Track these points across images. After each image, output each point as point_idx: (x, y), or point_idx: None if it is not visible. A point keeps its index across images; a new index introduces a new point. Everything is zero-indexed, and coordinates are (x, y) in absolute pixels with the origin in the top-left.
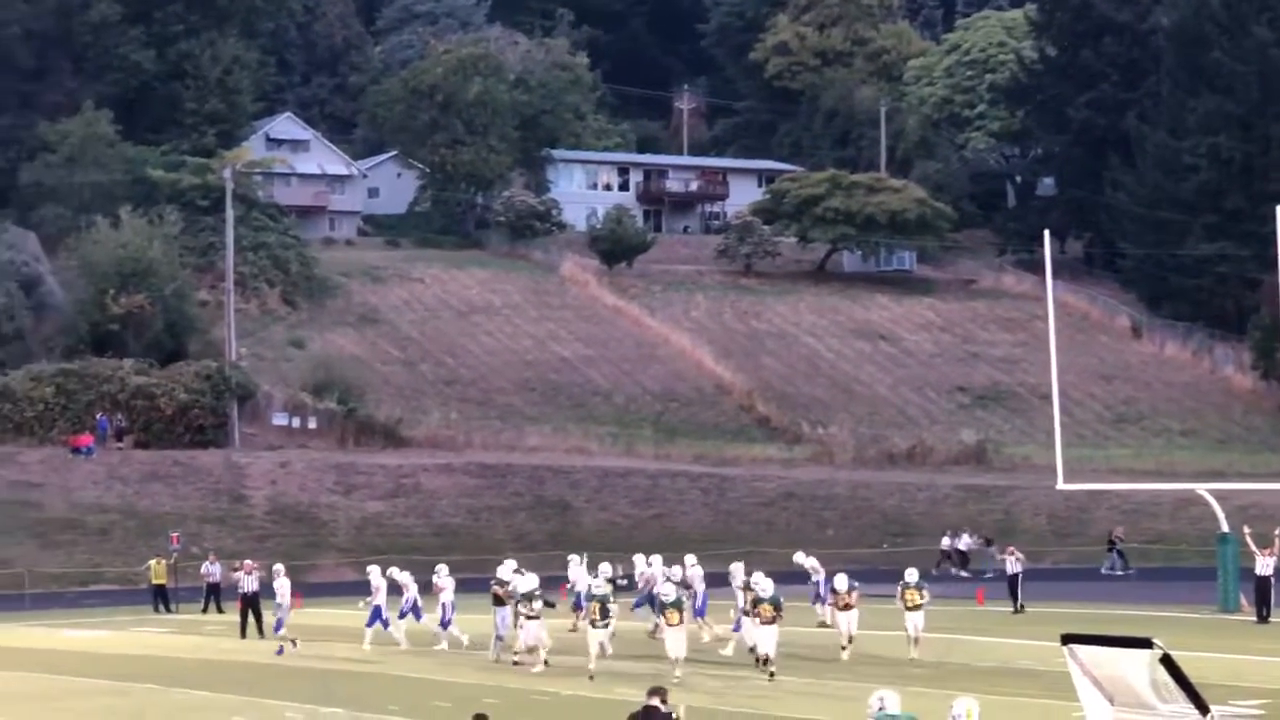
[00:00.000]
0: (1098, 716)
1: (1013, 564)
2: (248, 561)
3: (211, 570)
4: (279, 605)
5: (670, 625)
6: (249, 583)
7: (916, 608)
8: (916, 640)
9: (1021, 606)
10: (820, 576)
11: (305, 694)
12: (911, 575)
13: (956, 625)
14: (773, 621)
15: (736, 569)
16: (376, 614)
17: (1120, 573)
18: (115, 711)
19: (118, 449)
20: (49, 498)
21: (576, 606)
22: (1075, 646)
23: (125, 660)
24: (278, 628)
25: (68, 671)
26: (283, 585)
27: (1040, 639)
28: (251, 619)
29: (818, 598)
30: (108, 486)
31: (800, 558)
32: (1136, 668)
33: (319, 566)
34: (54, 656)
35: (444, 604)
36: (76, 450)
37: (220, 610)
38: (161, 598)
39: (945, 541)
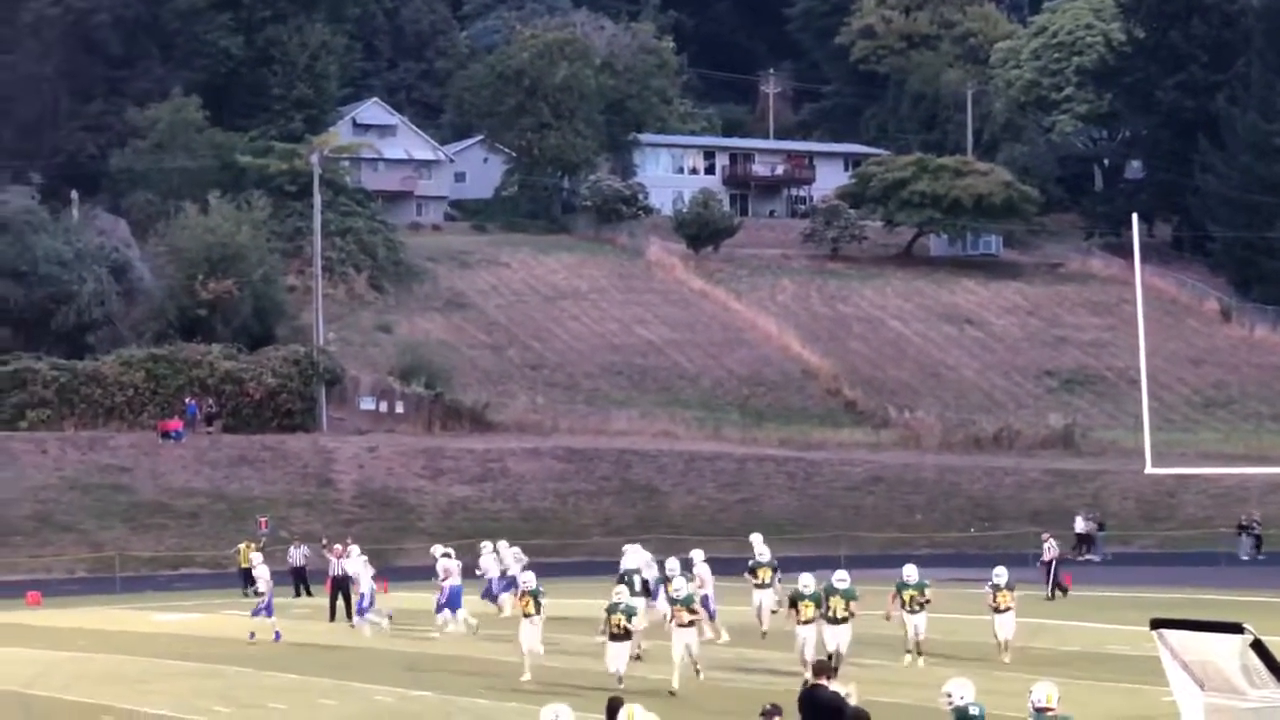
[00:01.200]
0: (1188, 702)
1: (1049, 550)
2: (338, 545)
3: (295, 555)
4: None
5: (680, 625)
6: (338, 566)
7: (1007, 609)
8: (1006, 645)
9: (1054, 592)
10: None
11: (394, 678)
12: (1001, 575)
13: (1043, 610)
14: (809, 622)
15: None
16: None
17: (1245, 556)
18: (205, 693)
19: (207, 434)
20: (139, 482)
21: (487, 595)
22: (1165, 631)
23: (215, 643)
24: (361, 610)
25: (158, 654)
26: (358, 565)
27: (1130, 624)
28: (341, 602)
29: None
30: (197, 471)
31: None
32: (1227, 653)
33: (406, 551)
34: (144, 639)
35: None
36: (166, 435)
37: (310, 594)
38: (250, 581)
39: (1079, 524)
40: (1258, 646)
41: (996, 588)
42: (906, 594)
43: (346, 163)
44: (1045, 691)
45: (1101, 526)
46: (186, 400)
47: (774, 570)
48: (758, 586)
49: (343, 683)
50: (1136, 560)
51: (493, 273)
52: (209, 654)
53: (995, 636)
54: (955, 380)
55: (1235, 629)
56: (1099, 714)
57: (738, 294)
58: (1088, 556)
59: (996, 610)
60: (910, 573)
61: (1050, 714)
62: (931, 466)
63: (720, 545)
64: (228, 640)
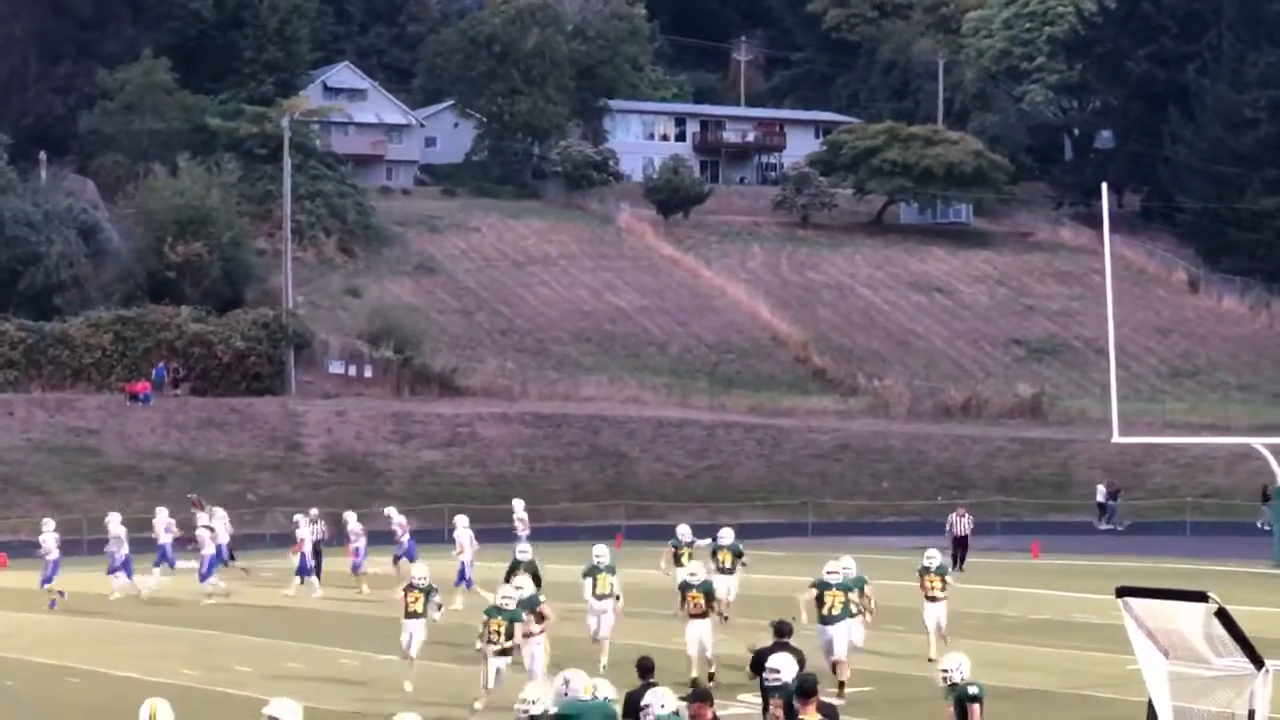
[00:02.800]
0: (1152, 669)
1: (961, 525)
2: (313, 510)
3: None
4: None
5: (693, 615)
6: (311, 530)
7: (939, 597)
8: (941, 635)
9: (960, 567)
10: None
11: (359, 641)
12: (933, 558)
13: (1010, 579)
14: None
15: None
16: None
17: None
18: (171, 656)
19: (175, 396)
20: (107, 444)
21: (302, 571)
22: (1130, 600)
23: (181, 606)
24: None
25: (124, 616)
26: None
27: (1095, 592)
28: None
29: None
30: (165, 433)
31: (462, 524)
32: (1191, 621)
33: (374, 515)
34: (110, 602)
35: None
36: (134, 397)
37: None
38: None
39: (1100, 493)
40: (1222, 615)
41: (926, 571)
42: (928, 580)
43: (317, 126)
44: (956, 662)
45: (1115, 495)
46: (155, 364)
47: (737, 555)
48: (720, 571)
49: (308, 645)
50: (1103, 529)
51: (463, 237)
52: (175, 617)
53: (924, 626)
54: (924, 348)
55: (1200, 598)
56: (1066, 681)
57: (708, 261)
58: (1107, 525)
59: (927, 598)
60: (931, 556)
61: (960, 684)
62: (900, 434)
63: (694, 511)
64: (194, 603)
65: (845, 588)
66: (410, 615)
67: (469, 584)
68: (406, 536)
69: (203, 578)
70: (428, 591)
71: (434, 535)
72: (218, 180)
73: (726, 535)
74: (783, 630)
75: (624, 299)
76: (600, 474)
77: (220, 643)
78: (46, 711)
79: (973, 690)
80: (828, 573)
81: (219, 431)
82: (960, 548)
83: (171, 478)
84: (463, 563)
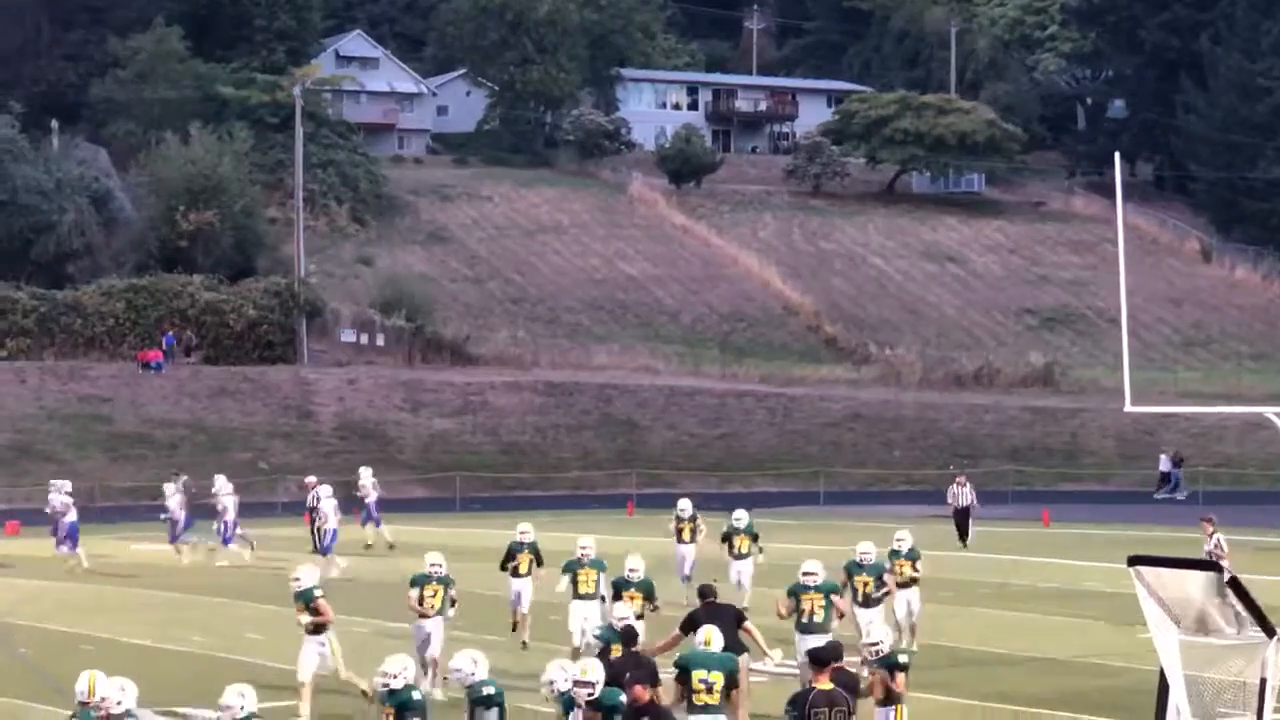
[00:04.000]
0: (1164, 638)
1: (963, 495)
2: (310, 478)
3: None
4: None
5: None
6: (313, 498)
7: (911, 582)
8: (912, 629)
9: (965, 542)
10: (372, 498)
11: (370, 609)
12: (904, 540)
13: (1021, 547)
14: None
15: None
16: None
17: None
18: (183, 623)
19: (187, 364)
20: (119, 412)
21: (174, 540)
22: (1142, 568)
23: (193, 573)
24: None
25: (137, 584)
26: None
27: (1106, 560)
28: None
29: (368, 518)
30: (176, 402)
31: (325, 493)
32: (1203, 590)
33: (386, 483)
34: (123, 569)
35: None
36: (146, 365)
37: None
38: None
39: (1163, 462)
40: (1234, 584)
41: (896, 555)
42: (898, 565)
43: (329, 95)
44: (882, 633)
45: (1179, 463)
46: (165, 332)
47: (754, 539)
48: (735, 557)
49: None
50: (1115, 498)
51: (475, 206)
52: (187, 584)
53: (894, 617)
54: (936, 318)
55: (1212, 566)
56: (1077, 649)
57: (719, 230)
58: (1171, 495)
59: (898, 583)
60: (902, 539)
61: (887, 653)
62: (911, 403)
63: (705, 480)
64: (206, 571)
65: (827, 590)
66: (425, 616)
67: (327, 552)
68: (373, 499)
69: (172, 539)
70: (446, 583)
71: (445, 504)
72: (230, 149)
73: (742, 517)
74: (705, 593)
75: (636, 268)
76: (612, 443)
77: (233, 611)
78: (60, 678)
79: (902, 659)
80: (804, 574)
81: (231, 400)
82: (963, 519)
83: (184, 446)
84: (329, 531)
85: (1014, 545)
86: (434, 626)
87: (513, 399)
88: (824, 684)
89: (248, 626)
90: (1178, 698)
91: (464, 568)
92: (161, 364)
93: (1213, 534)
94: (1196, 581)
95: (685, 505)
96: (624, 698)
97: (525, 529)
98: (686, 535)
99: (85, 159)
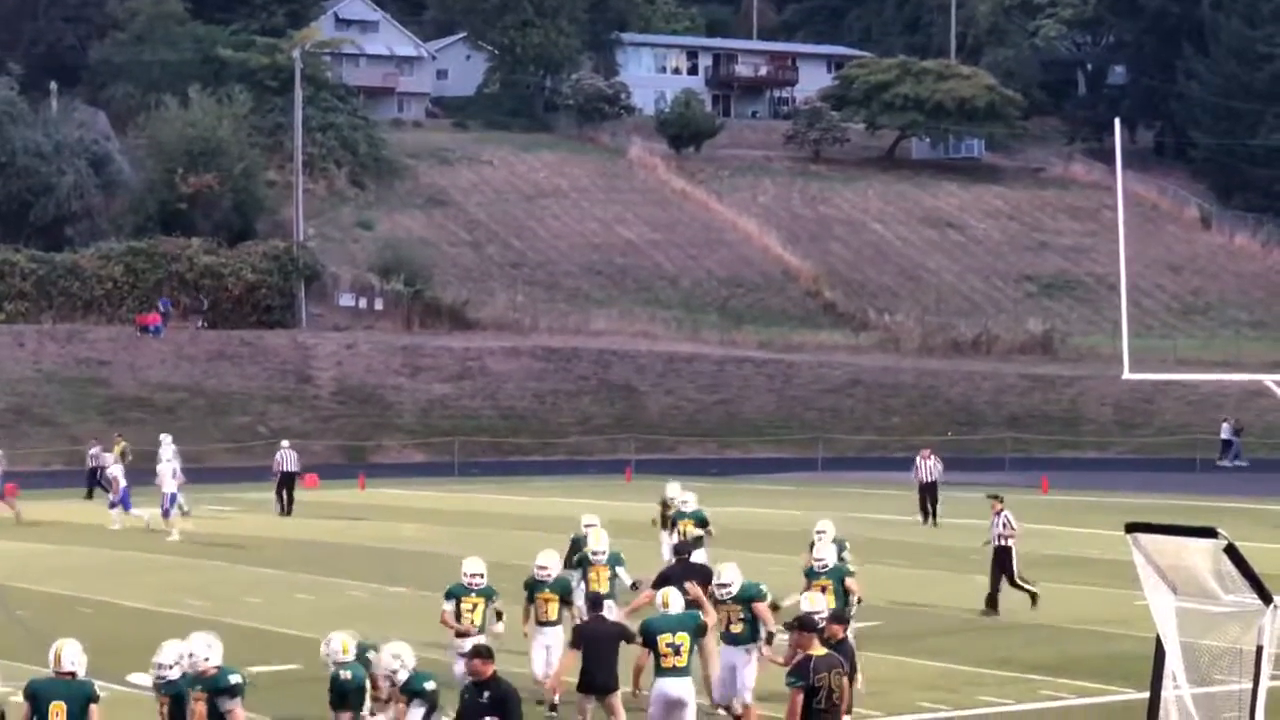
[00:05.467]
0: (1160, 605)
1: (927, 469)
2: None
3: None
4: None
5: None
6: (288, 461)
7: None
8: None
9: (934, 520)
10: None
11: (370, 573)
12: (826, 531)
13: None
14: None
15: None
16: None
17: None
18: (181, 587)
19: (199, 328)
20: (117, 375)
21: (118, 504)
22: (1139, 535)
23: (191, 537)
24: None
25: (134, 548)
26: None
27: (1104, 528)
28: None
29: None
30: (175, 365)
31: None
32: (1200, 557)
33: (384, 448)
34: (120, 533)
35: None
36: (144, 329)
37: (291, 499)
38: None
39: (1225, 430)
40: (1231, 551)
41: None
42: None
43: (328, 58)
44: (733, 575)
45: (1239, 431)
46: (161, 296)
47: (702, 524)
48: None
49: (318, 578)
50: (1113, 465)
51: (474, 170)
52: (185, 548)
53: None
54: (935, 284)
55: (1209, 534)
56: (1075, 616)
57: (719, 195)
58: (1234, 462)
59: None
60: (825, 552)
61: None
62: (910, 370)
63: (704, 445)
64: (203, 534)
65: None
66: (465, 634)
67: (166, 515)
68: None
69: (112, 505)
70: (488, 595)
71: (444, 469)
72: (229, 112)
73: (688, 500)
74: (680, 550)
75: (635, 232)
76: (610, 408)
77: (231, 575)
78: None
79: (762, 588)
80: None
81: (229, 364)
82: (929, 495)
83: (182, 410)
84: (170, 494)
85: (1012, 512)
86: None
87: (511, 364)
88: (818, 649)
89: (245, 590)
90: (1174, 664)
91: (464, 532)
92: (160, 328)
93: (1000, 511)
94: (1194, 549)
95: (676, 491)
96: (430, 684)
97: (545, 563)
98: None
99: (84, 121)
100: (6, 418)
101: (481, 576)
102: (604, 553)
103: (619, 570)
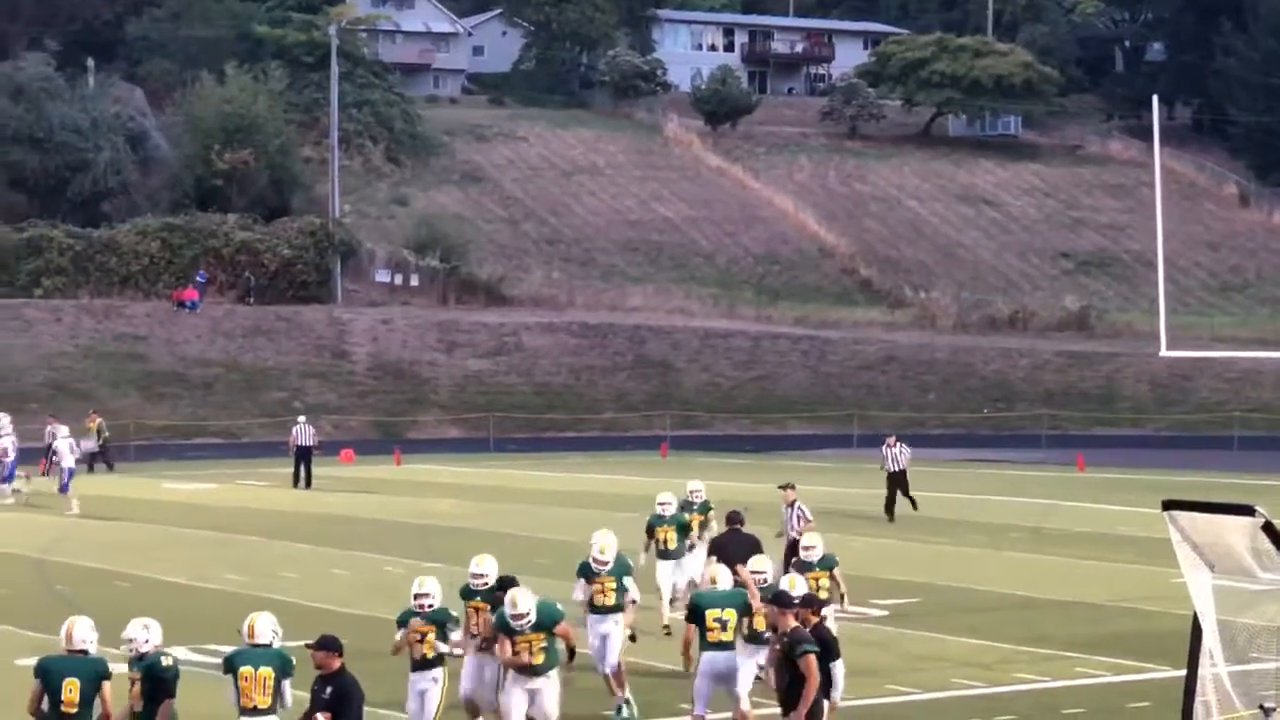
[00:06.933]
0: (1197, 583)
1: (893, 457)
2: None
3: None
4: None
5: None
6: (304, 435)
7: (670, 556)
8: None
9: (912, 504)
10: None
11: (405, 549)
12: (667, 505)
13: (1055, 492)
14: None
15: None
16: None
17: None
18: (218, 562)
19: (247, 304)
20: (154, 351)
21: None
22: (1176, 513)
23: (227, 512)
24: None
25: (171, 522)
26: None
27: (1140, 505)
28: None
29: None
30: (211, 341)
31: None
32: (1238, 535)
33: (420, 423)
34: (158, 507)
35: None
36: (181, 304)
37: (309, 474)
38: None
39: None
40: (1269, 529)
41: (660, 521)
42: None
43: (364, 34)
44: (796, 586)
45: None
46: (199, 271)
47: (683, 531)
48: (660, 555)
49: (353, 553)
50: (1149, 443)
51: (510, 147)
52: (221, 523)
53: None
54: (971, 261)
55: (1247, 511)
56: (1111, 594)
57: (755, 172)
58: None
59: (660, 553)
60: (814, 539)
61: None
62: (946, 347)
63: (738, 422)
64: (240, 510)
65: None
66: (421, 665)
67: (65, 489)
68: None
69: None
70: (441, 623)
71: (480, 445)
72: (265, 88)
73: (669, 503)
74: (732, 519)
75: (671, 209)
76: (646, 384)
77: (267, 550)
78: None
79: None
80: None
81: (265, 339)
82: (898, 486)
83: (218, 384)
84: (67, 470)
85: (1048, 489)
86: (426, 684)
87: (547, 340)
88: (791, 622)
89: (281, 565)
90: (1211, 642)
91: (499, 509)
92: (197, 303)
93: (794, 503)
94: (1231, 526)
95: (698, 488)
96: (166, 659)
97: (666, 499)
98: (694, 528)
99: (121, 98)
100: (43, 392)
101: (433, 597)
102: (609, 562)
103: (626, 581)
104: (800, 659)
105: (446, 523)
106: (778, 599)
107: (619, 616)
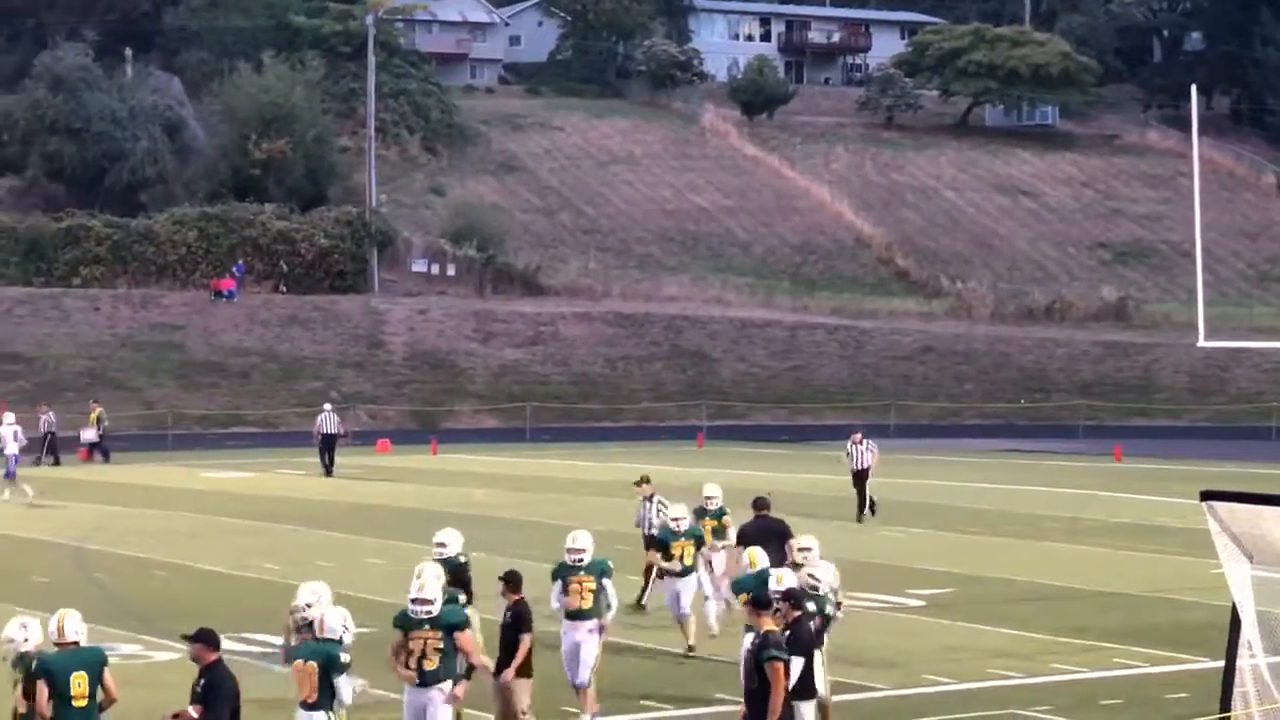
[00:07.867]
0: (1236, 573)
1: (861, 456)
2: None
3: (328, 422)
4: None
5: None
6: (329, 423)
7: (688, 570)
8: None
9: (871, 507)
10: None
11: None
12: (715, 494)
13: (1093, 482)
14: None
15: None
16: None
17: None
18: (255, 550)
19: (282, 292)
20: (191, 340)
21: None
22: (1214, 503)
23: (264, 501)
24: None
25: (208, 511)
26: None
27: (1178, 496)
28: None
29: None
30: (248, 330)
31: (8, 420)
32: (1277, 525)
33: (456, 413)
34: (195, 496)
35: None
36: (218, 294)
37: (332, 462)
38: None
39: None
40: None
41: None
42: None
43: (401, 24)
44: (783, 581)
45: None
46: (237, 262)
47: (699, 544)
48: (673, 573)
49: (388, 542)
50: (1187, 434)
51: (546, 136)
52: (258, 512)
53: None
54: (1008, 251)
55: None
56: (1149, 584)
57: (791, 161)
58: None
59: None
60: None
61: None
62: (982, 337)
63: (774, 412)
64: (277, 499)
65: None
66: (310, 706)
67: (12, 475)
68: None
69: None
70: (328, 662)
71: (516, 434)
72: (302, 78)
73: (681, 516)
74: (759, 504)
75: (707, 199)
76: (682, 374)
77: (303, 538)
78: (135, 604)
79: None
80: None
81: (302, 329)
82: (861, 483)
83: (254, 374)
84: (11, 456)
85: (1085, 480)
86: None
87: (583, 330)
88: (769, 625)
89: (317, 554)
90: (1250, 633)
91: (535, 498)
92: (234, 292)
93: (652, 496)
94: (1270, 517)
95: (715, 493)
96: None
97: (679, 515)
98: (709, 534)
99: (158, 87)
100: (81, 381)
101: (303, 610)
102: (584, 551)
103: (605, 583)
104: (767, 664)
105: (482, 512)
106: (755, 601)
107: (594, 623)
